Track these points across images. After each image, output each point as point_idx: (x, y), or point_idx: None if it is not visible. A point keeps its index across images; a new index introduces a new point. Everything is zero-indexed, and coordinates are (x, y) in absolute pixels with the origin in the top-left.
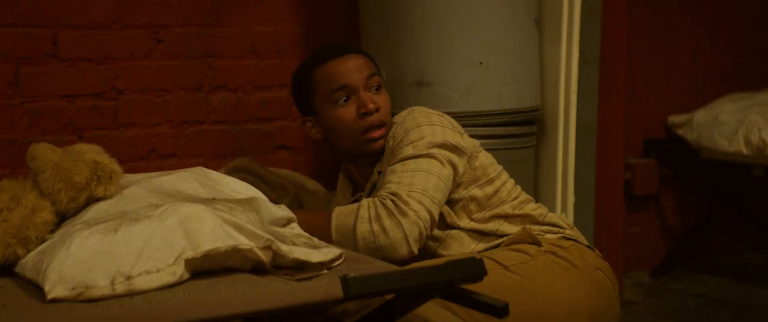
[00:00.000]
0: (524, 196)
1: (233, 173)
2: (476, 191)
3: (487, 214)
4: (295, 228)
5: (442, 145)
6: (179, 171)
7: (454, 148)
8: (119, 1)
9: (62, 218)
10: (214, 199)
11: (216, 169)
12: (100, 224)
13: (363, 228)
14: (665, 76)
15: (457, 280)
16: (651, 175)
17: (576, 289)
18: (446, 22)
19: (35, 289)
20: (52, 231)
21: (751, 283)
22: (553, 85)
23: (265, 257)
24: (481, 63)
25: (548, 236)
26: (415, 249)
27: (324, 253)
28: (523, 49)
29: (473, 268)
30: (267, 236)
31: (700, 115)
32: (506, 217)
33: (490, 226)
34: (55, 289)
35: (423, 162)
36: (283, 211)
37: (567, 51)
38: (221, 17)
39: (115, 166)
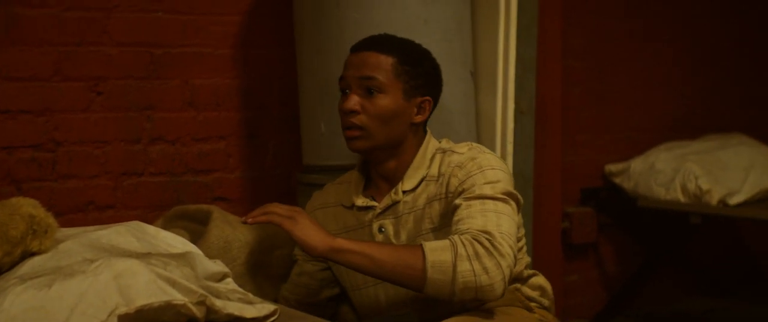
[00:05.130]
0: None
1: (169, 222)
2: None
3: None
4: (229, 283)
5: (512, 195)
6: (115, 225)
7: (518, 201)
8: (59, 53)
9: None
10: (149, 253)
11: (153, 220)
12: (35, 279)
13: (464, 266)
14: (601, 126)
15: None
16: (589, 223)
17: None
18: None
19: None
20: None
21: None
22: (489, 136)
23: (198, 312)
24: None
25: (532, 304)
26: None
27: (258, 308)
28: (460, 101)
29: None
30: (201, 291)
31: (637, 164)
32: (519, 274)
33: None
34: None
35: (502, 206)
36: (218, 266)
37: (503, 103)
38: (160, 70)
39: (51, 220)
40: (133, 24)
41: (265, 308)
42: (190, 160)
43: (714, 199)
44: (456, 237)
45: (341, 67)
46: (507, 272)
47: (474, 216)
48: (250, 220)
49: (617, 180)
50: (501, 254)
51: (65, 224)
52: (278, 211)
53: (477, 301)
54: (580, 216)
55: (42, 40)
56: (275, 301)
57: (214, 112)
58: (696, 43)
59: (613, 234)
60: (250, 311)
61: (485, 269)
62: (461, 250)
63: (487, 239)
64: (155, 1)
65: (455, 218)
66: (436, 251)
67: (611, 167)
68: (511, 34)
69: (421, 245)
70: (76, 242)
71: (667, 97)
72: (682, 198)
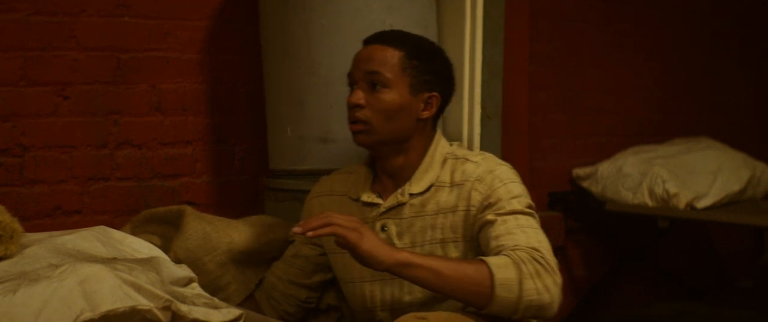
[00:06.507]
0: None
1: (138, 227)
2: None
3: None
4: (195, 288)
5: (533, 208)
6: (81, 230)
7: (536, 213)
8: (26, 58)
9: None
10: (115, 258)
11: (120, 225)
12: None
13: (529, 284)
14: (568, 130)
15: None
16: (557, 227)
17: None
18: None
19: None
20: None
21: None
22: (455, 141)
23: (163, 317)
24: None
25: None
26: None
27: (224, 313)
28: None
29: None
30: (166, 296)
31: (605, 168)
32: None
33: None
34: None
35: (533, 221)
36: (184, 271)
37: (469, 108)
38: (127, 75)
39: (17, 225)
40: (100, 28)
41: (230, 312)
42: (157, 165)
43: (681, 203)
44: (514, 254)
45: (307, 73)
46: (560, 289)
47: (513, 232)
48: (310, 233)
49: (585, 184)
50: (554, 271)
51: (32, 229)
52: (342, 223)
53: (536, 319)
54: (548, 220)
55: (7, 44)
56: (259, 284)
57: (181, 117)
58: (663, 49)
59: (581, 238)
60: (215, 316)
61: (546, 288)
62: (524, 268)
63: (540, 256)
64: (122, 6)
65: (493, 234)
66: (502, 269)
67: (579, 171)
68: (477, 38)
69: (483, 260)
70: (42, 247)
71: (634, 102)
72: (649, 202)
